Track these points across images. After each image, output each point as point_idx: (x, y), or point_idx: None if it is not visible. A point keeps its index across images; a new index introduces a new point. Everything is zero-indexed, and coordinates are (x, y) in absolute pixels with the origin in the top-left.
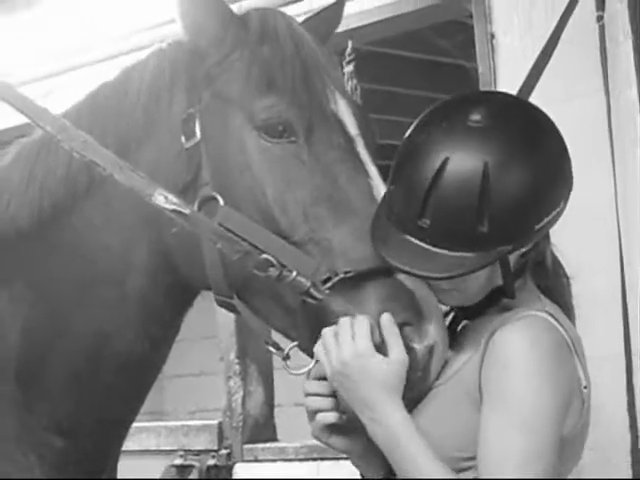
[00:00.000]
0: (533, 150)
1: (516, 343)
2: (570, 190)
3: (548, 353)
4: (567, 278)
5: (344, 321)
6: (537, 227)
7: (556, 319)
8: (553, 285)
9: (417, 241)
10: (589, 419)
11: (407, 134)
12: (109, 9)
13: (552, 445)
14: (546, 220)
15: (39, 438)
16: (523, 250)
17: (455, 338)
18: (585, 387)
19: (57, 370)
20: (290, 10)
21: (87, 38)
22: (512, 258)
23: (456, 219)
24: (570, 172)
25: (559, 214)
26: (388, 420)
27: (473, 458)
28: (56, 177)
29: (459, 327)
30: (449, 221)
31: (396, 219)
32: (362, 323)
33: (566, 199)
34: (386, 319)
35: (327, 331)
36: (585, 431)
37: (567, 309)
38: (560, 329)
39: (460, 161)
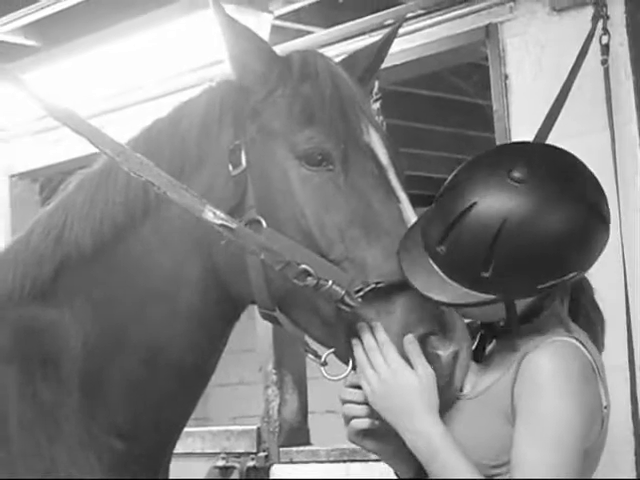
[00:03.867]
0: (556, 221)
1: (548, 365)
2: (591, 262)
3: (576, 375)
4: (603, 324)
5: (372, 348)
6: (540, 287)
7: (583, 345)
8: (586, 328)
9: (434, 265)
10: (607, 435)
11: (457, 169)
12: (157, 52)
13: (577, 456)
14: (551, 283)
15: (100, 442)
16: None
17: (483, 356)
18: (605, 407)
19: (116, 379)
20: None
21: (136, 79)
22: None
23: (466, 257)
24: (597, 245)
25: (570, 279)
26: (427, 430)
27: (501, 465)
28: (115, 203)
29: (487, 345)
30: (460, 256)
31: (424, 234)
32: (388, 346)
33: (583, 269)
34: (408, 340)
35: (364, 363)
36: (603, 444)
37: (595, 340)
38: (587, 354)
39: (485, 209)
